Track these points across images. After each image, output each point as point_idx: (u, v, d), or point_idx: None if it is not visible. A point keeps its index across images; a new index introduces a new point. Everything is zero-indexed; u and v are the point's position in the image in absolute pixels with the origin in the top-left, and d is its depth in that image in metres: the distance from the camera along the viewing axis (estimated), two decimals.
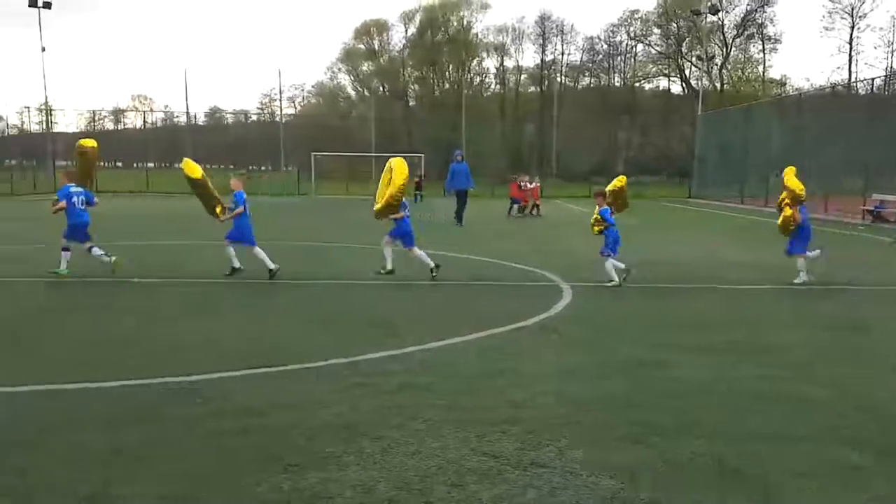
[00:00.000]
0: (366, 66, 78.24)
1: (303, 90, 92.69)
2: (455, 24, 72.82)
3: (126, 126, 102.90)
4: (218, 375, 5.52)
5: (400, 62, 74.75)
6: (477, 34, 72.63)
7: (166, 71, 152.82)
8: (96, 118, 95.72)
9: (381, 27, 76.03)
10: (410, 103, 75.57)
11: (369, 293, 9.41)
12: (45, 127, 47.78)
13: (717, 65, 63.94)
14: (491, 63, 73.72)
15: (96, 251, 10.12)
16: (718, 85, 63.33)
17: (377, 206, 10.02)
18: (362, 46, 77.58)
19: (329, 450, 4.08)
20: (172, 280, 10.01)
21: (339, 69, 79.58)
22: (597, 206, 10.08)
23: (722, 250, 14.43)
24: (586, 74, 73.03)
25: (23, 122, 65.75)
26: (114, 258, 10.08)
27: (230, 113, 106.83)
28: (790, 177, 10.08)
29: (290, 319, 7.75)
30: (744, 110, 37.38)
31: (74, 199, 10.10)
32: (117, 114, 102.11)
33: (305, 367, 5.76)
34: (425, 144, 50.96)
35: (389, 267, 10.06)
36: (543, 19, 70.28)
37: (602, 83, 72.16)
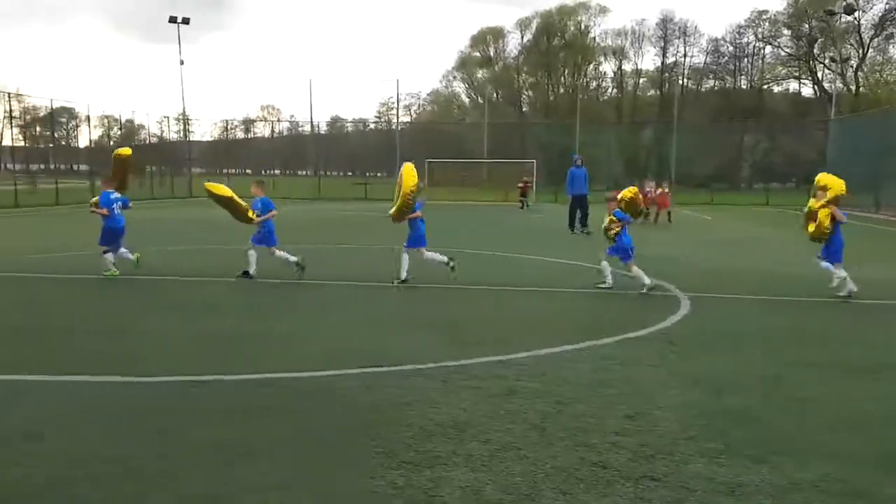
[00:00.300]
0: (480, 74, 78.92)
1: (418, 98, 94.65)
2: (572, 28, 72.17)
3: (255, 135, 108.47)
4: (333, 373, 5.73)
5: (515, 68, 74.85)
6: (594, 38, 71.76)
7: (293, 82, 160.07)
8: (228, 127, 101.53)
9: (497, 34, 76.51)
10: (524, 109, 75.51)
11: (476, 297, 9.47)
12: (182, 136, 50.92)
13: (852, 67, 60.04)
14: (608, 67, 72.60)
15: (122, 252, 10.76)
16: (853, 88, 59.43)
17: (392, 212, 10.25)
18: (478, 54, 78.35)
19: (440, 450, 4.15)
20: (274, 280, 10.46)
21: (455, 77, 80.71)
22: (610, 210, 10.01)
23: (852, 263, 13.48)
24: (710, 77, 70.41)
25: (162, 132, 70.49)
26: (136, 255, 10.74)
27: (350, 122, 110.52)
28: (827, 178, 9.60)
29: (399, 322, 7.93)
30: (882, 114, 34.87)
31: (114, 205, 10.81)
32: (247, 123, 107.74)
33: (416, 367, 5.87)
34: (538, 150, 50.72)
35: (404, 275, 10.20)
36: (665, 21, 68.54)
37: (727, 86, 69.39)
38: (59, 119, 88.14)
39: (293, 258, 10.48)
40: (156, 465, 3.92)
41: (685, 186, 48.24)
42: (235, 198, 10.78)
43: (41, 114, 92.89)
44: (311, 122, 53.07)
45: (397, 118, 58.69)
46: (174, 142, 63.64)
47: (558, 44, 72.14)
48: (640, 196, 10.76)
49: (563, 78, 73.58)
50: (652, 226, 22.64)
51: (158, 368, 5.80)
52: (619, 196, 10.34)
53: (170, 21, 39.31)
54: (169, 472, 3.83)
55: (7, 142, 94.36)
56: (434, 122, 72.53)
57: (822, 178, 9.75)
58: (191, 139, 55.56)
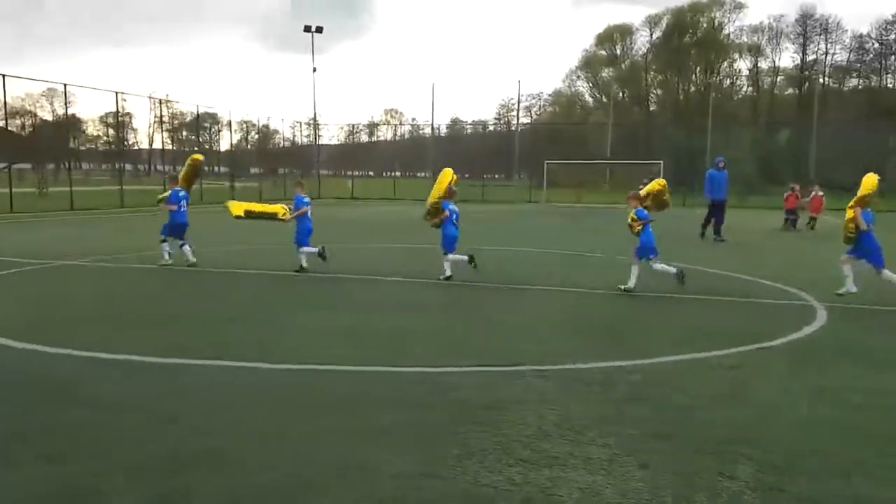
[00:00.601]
0: (606, 73, 77.41)
1: (539, 99, 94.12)
2: (705, 25, 69.46)
3: (378, 138, 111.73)
4: (453, 369, 5.89)
5: (642, 67, 72.93)
6: (728, 35, 68.73)
7: (416, 86, 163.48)
8: (353, 131, 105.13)
9: (625, 32, 74.79)
10: (651, 108, 73.43)
11: (594, 302, 9.37)
12: (313, 140, 53.26)
13: None
14: (743, 64, 69.36)
15: (186, 249, 11.64)
16: None
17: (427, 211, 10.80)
18: (604, 52, 76.90)
19: (557, 451, 4.19)
20: (396, 279, 10.76)
21: (578, 76, 79.57)
22: (632, 209, 9.97)
23: None
24: (853, 75, 65.73)
25: (294, 136, 73.91)
26: (194, 260, 11.64)
27: (469, 124, 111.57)
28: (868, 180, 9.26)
29: (516, 321, 7.98)
30: None
31: (183, 202, 11.74)
32: (371, 127, 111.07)
33: (533, 368, 5.93)
34: (665, 151, 49.14)
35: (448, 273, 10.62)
36: (805, 17, 64.71)
37: (871, 84, 64.55)
38: (203, 124, 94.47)
39: (314, 250, 11.27)
40: (304, 443, 4.20)
41: (826, 190, 45.28)
42: (255, 208, 11.92)
43: (187, 119, 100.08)
44: (433, 124, 54.06)
45: (517, 119, 58.48)
46: (304, 145, 66.60)
47: (690, 41, 69.63)
48: (668, 191, 10.64)
49: (694, 76, 70.95)
50: (807, 232, 21.13)
51: (294, 356, 6.16)
52: (642, 192, 10.38)
53: (304, 30, 41.22)
54: (302, 454, 4.09)
55: (156, 145, 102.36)
56: (555, 122, 71.76)
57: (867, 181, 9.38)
58: (319, 143, 58.04)
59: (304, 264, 11.27)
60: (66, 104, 28.57)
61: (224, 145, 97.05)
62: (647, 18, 74.04)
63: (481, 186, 45.98)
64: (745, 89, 71.77)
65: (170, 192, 12.19)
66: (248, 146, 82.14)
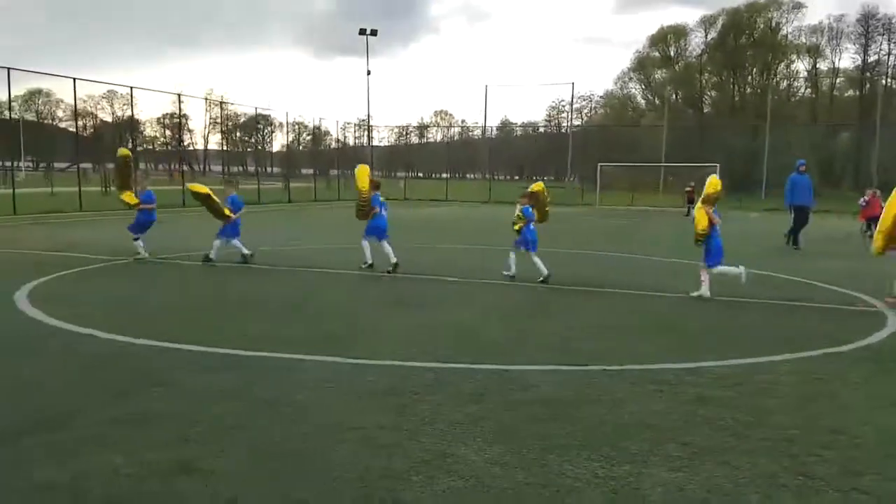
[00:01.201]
0: (659, 74, 76.49)
1: (590, 101, 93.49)
2: (762, 26, 68.08)
3: (428, 140, 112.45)
4: (529, 367, 6.06)
5: (697, 68, 71.84)
6: (786, 35, 67.23)
7: (465, 88, 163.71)
8: (406, 133, 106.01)
9: (679, 33, 73.80)
10: (705, 110, 72.26)
11: (659, 305, 9.41)
12: (364, 141, 53.92)
13: None
14: (801, 66, 67.75)
15: (237, 243, 12.49)
16: None
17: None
18: (657, 54, 76.00)
19: (636, 447, 4.32)
20: (454, 279, 10.95)
21: (631, 78, 78.82)
22: (519, 205, 11.13)
23: None
24: None
25: (345, 137, 74.94)
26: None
27: (519, 126, 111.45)
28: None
29: (584, 322, 8.09)
30: None
31: (242, 206, 12.69)
32: (421, 129, 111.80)
33: (606, 368, 6.05)
34: (719, 153, 48.33)
35: (369, 261, 11.77)
36: (867, 17, 62.82)
37: None
38: (257, 125, 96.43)
39: (246, 251, 12.41)
40: (390, 436, 4.42)
41: (889, 194, 43.95)
42: (212, 195, 12.31)
43: (241, 120, 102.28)
44: (485, 126, 54.18)
45: (570, 121, 58.21)
46: (354, 146, 67.49)
47: (746, 42, 68.34)
48: (545, 194, 11.80)
49: (750, 77, 69.59)
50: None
51: (382, 353, 6.40)
52: (529, 191, 11.51)
53: (359, 33, 41.85)
54: (399, 442, 4.30)
55: (211, 146, 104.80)
56: (608, 124, 71.16)
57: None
58: (371, 144, 58.69)
59: (213, 255, 12.26)
60: (131, 106, 29.46)
61: (276, 146, 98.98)
62: (702, 19, 73.00)
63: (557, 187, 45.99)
64: (802, 91, 70.16)
65: (142, 193, 13.11)
66: (301, 147, 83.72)
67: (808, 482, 3.87)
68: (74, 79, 26.92)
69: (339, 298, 9.57)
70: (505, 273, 11.03)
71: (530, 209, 11.07)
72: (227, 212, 12.50)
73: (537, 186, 11.71)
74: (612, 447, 4.33)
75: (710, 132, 61.46)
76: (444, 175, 78.77)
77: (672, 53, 75.30)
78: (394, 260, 11.50)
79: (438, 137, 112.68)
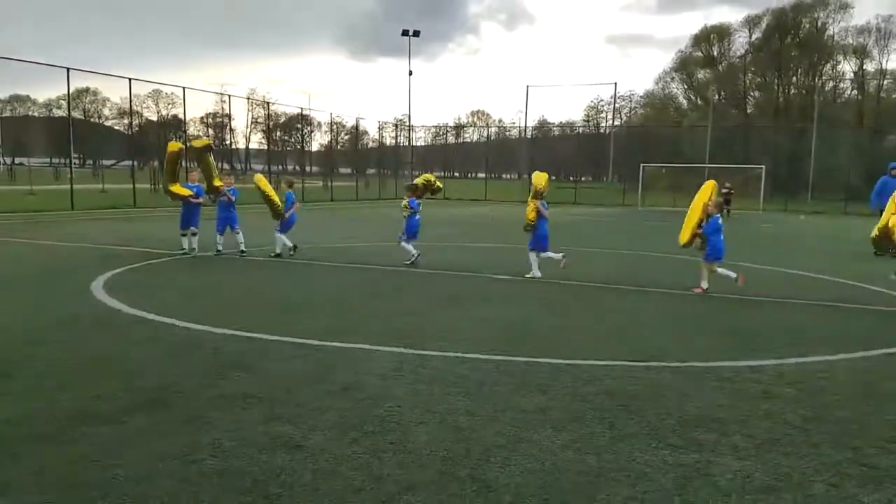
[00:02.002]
0: (702, 74, 75.59)
1: (630, 101, 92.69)
2: (807, 26, 66.89)
3: (465, 139, 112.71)
4: (592, 362, 6.28)
5: (741, 68, 70.88)
6: (832, 36, 65.92)
7: (504, 88, 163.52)
8: (444, 132, 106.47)
9: (723, 33, 72.86)
10: (748, 111, 71.24)
11: (718, 304, 9.53)
12: (402, 140, 54.36)
13: None
14: (848, 66, 66.37)
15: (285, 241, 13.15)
16: None
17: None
18: (700, 53, 75.13)
19: (703, 438, 4.53)
20: (503, 276, 11.19)
21: (673, 78, 78.02)
22: (406, 198, 12.81)
23: None
24: None
25: (382, 137, 75.48)
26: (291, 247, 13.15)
27: (556, 126, 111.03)
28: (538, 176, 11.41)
29: (638, 320, 8.26)
30: None
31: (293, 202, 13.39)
32: (458, 129, 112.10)
33: (666, 364, 6.25)
34: (764, 155, 47.72)
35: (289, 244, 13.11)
36: None
37: None
38: (296, 125, 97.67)
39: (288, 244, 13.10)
40: (466, 421, 4.69)
41: None
42: (273, 194, 13.11)
43: (281, 120, 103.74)
44: (525, 125, 54.19)
45: (612, 121, 57.89)
46: (392, 146, 67.93)
47: (791, 42, 67.21)
48: (439, 184, 13.49)
49: (795, 78, 68.42)
50: None
51: (444, 346, 6.68)
52: (415, 184, 13.15)
53: (402, 34, 42.30)
54: (474, 427, 4.57)
55: (253, 145, 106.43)
56: (650, 124, 70.56)
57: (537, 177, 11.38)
58: (411, 144, 59.13)
59: (279, 250, 13.13)
60: (183, 105, 30.22)
61: (315, 146, 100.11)
62: (746, 19, 71.91)
63: (573, 189, 45.89)
64: (848, 92, 68.73)
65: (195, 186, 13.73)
66: (340, 147, 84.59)
67: (871, 472, 4.04)
68: (130, 79, 27.68)
69: (395, 293, 9.86)
70: (526, 276, 11.24)
71: (416, 201, 12.68)
72: (281, 208, 13.10)
73: (421, 179, 13.35)
74: (679, 437, 4.54)
75: (754, 133, 60.60)
76: (481, 175, 78.83)
77: (715, 53, 74.37)
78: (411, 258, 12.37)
79: (475, 137, 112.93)
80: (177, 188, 13.50)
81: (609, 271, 12.03)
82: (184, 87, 30.01)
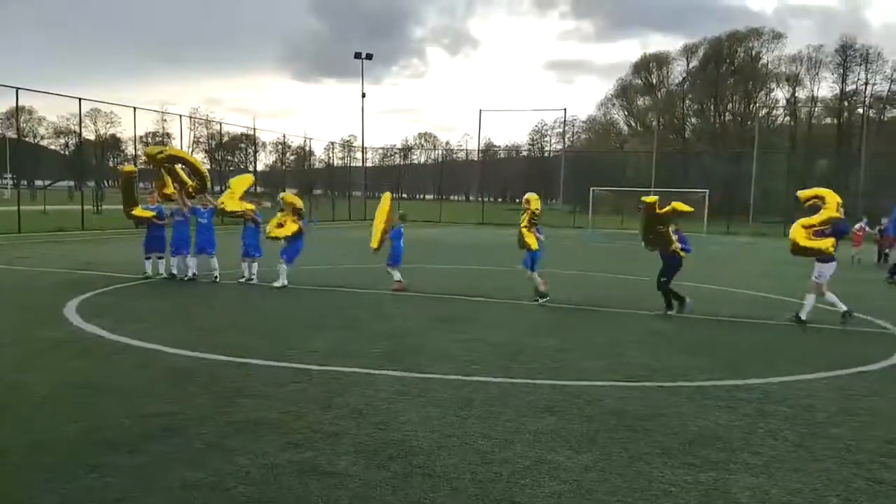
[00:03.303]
0: (642, 101, 78.00)
1: (573, 126, 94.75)
2: (742, 55, 69.80)
3: (412, 161, 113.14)
4: (587, 383, 6.43)
5: (679, 95, 73.35)
6: (766, 64, 68.92)
7: (452, 110, 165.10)
8: (389, 154, 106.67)
9: (661, 61, 75.39)
10: (686, 136, 73.63)
11: (687, 324, 9.82)
12: (355, 162, 54.27)
13: None
14: (781, 94, 69.38)
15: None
16: None
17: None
18: (639, 81, 77.52)
19: (714, 456, 4.69)
20: (482, 299, 11.33)
21: (614, 104, 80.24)
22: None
23: None
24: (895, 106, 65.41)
25: (329, 157, 75.15)
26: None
27: (503, 148, 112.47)
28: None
29: (618, 340, 8.46)
30: None
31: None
32: (405, 150, 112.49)
33: (661, 385, 6.46)
34: (702, 179, 49.34)
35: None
36: (845, 48, 64.58)
37: None
38: (239, 145, 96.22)
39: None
40: (485, 443, 4.75)
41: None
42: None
43: (224, 139, 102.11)
44: (478, 149, 54.74)
45: (563, 145, 59.07)
46: (339, 167, 67.73)
47: (727, 70, 69.98)
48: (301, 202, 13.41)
49: (731, 105, 71.15)
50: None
51: (443, 368, 6.73)
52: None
53: (355, 57, 42.44)
54: (494, 449, 4.63)
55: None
56: (595, 149, 72.17)
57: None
58: (358, 165, 59.08)
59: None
60: (134, 126, 29.56)
61: (260, 166, 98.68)
62: (684, 48, 74.68)
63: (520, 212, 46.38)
64: (781, 119, 71.71)
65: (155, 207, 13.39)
66: (285, 167, 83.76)
67: (878, 487, 4.26)
68: (80, 98, 26.99)
69: (383, 317, 9.83)
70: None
71: (400, 229, 12.61)
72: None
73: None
74: (692, 455, 4.71)
75: (693, 158, 62.64)
76: (429, 196, 78.97)
77: (654, 81, 76.84)
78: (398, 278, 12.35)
79: (423, 159, 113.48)
80: (138, 211, 13.21)
81: (580, 293, 12.26)
82: (134, 108, 29.48)
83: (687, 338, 8.96)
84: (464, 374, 6.60)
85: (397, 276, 12.21)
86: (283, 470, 4.23)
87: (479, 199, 57.31)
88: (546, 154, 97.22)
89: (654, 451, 4.75)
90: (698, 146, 67.50)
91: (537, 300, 11.22)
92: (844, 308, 10.04)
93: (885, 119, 65.96)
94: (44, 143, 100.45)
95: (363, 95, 43.69)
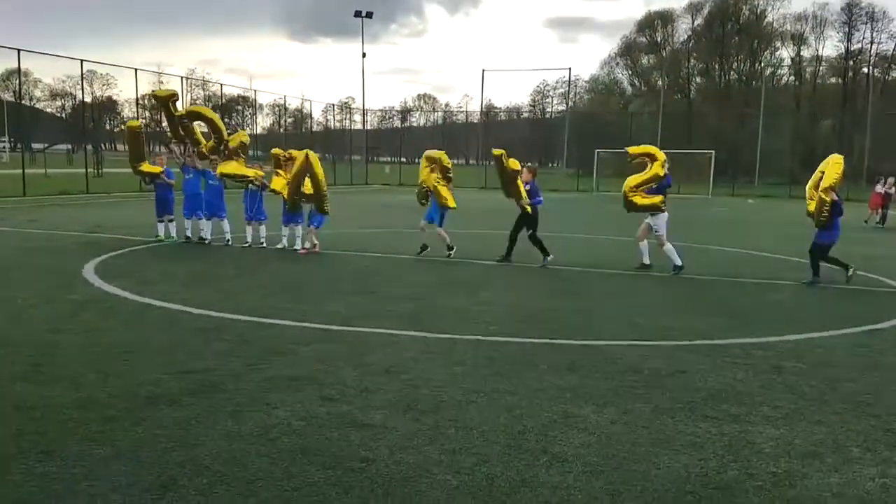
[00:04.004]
0: (646, 60, 77.16)
1: (576, 86, 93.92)
2: (747, 13, 68.91)
3: (412, 124, 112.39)
4: (607, 343, 6.59)
5: (684, 54, 72.59)
6: (771, 23, 68.09)
7: (451, 70, 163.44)
8: (388, 116, 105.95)
9: (667, 19, 74.46)
10: (691, 96, 73.10)
11: (702, 286, 9.97)
12: (354, 124, 53.92)
13: None
14: (786, 53, 68.70)
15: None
16: None
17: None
18: (644, 39, 76.62)
19: (735, 411, 4.84)
20: (491, 262, 11.46)
21: (617, 63, 79.38)
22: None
23: None
24: None
25: (326, 120, 74.60)
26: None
27: (503, 110, 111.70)
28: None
29: (634, 301, 8.62)
30: None
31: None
32: (404, 112, 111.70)
33: (679, 343, 6.61)
34: (708, 140, 49.15)
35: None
36: (851, 6, 63.77)
37: None
38: (236, 107, 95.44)
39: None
40: (511, 399, 4.90)
41: (868, 182, 45.10)
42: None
43: (221, 102, 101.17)
44: (481, 110, 54.28)
45: (567, 106, 58.56)
46: (337, 130, 67.28)
47: (732, 28, 69.17)
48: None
49: (736, 64, 70.48)
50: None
51: (462, 329, 6.88)
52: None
53: (355, 15, 41.90)
54: (521, 405, 4.79)
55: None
56: (600, 110, 71.58)
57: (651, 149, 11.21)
58: (357, 128, 58.68)
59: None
60: (136, 87, 29.36)
61: (258, 129, 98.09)
62: (689, 5, 73.66)
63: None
64: (786, 78, 71.13)
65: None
66: (282, 130, 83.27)
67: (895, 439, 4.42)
68: (82, 60, 26.81)
69: (398, 280, 9.97)
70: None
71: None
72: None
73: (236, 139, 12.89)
74: (713, 409, 4.85)
75: (698, 118, 62.27)
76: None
77: (659, 39, 75.96)
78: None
79: (422, 122, 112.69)
80: (146, 166, 13.20)
81: (590, 255, 12.39)
82: (135, 69, 29.18)
83: (699, 298, 9.10)
84: (483, 335, 6.74)
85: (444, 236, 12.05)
86: (322, 422, 4.38)
87: (479, 163, 57.01)
88: (548, 115, 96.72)
89: (676, 406, 4.90)
90: (703, 106, 67.01)
91: (449, 254, 11.71)
92: (679, 263, 10.75)
93: (889, 79, 65.46)
94: (40, 105, 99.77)
95: (363, 55, 43.19)
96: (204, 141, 12.88)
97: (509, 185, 11.34)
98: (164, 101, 12.77)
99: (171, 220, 13.11)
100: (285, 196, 12.23)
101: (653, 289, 9.71)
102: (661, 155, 10.90)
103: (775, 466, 3.97)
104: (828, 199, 9.76)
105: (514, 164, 11.31)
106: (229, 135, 12.94)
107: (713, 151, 36.68)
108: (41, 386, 4.90)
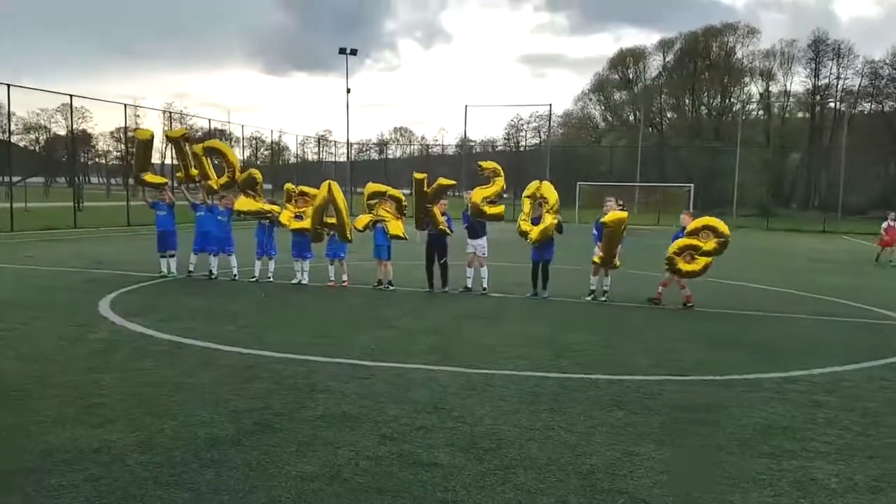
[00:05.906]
0: (618, 95, 78.66)
1: (548, 120, 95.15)
2: (717, 50, 70.73)
3: (389, 156, 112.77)
4: (643, 378, 6.65)
5: (656, 90, 74.14)
6: (741, 59, 69.94)
7: (427, 105, 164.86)
8: (363, 149, 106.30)
9: (638, 56, 76.10)
10: (663, 131, 74.52)
11: (721, 319, 10.11)
12: (347, 157, 53.95)
13: None
14: (755, 88, 70.48)
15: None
16: None
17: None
18: (616, 76, 78.20)
19: (787, 446, 4.91)
20: (504, 295, 11.52)
21: (591, 98, 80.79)
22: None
23: None
24: (867, 100, 66.87)
25: (304, 152, 74.61)
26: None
27: (477, 143, 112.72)
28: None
29: (669, 336, 8.71)
30: None
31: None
32: (381, 145, 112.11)
33: (713, 378, 6.73)
34: (680, 173, 50.05)
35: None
36: (818, 42, 65.80)
37: (884, 110, 65.72)
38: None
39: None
40: (569, 436, 4.93)
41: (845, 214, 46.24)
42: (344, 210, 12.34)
43: (198, 135, 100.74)
44: (465, 143, 54.64)
45: (548, 137, 59.30)
46: (313, 162, 67.29)
47: (702, 65, 70.91)
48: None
49: (707, 99, 72.14)
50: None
51: (497, 363, 6.90)
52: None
53: (339, 52, 42.24)
54: (579, 442, 4.81)
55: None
56: (575, 144, 72.54)
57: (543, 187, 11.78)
58: (333, 160, 58.77)
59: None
60: (124, 118, 29.21)
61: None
62: (660, 42, 75.49)
63: (511, 205, 46.73)
64: (755, 113, 72.82)
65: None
66: (259, 162, 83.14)
67: None
68: (71, 95, 26.64)
69: (411, 314, 9.98)
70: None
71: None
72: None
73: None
74: (766, 445, 4.93)
75: (671, 152, 63.42)
76: (406, 191, 78.93)
77: (631, 76, 77.58)
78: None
79: (398, 154, 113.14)
80: (150, 176, 13.11)
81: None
82: (125, 105, 29.01)
83: (724, 332, 9.17)
84: (518, 370, 6.77)
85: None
86: (390, 462, 4.37)
87: (460, 194, 57.42)
88: (521, 149, 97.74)
89: (732, 443, 4.96)
90: (675, 141, 68.29)
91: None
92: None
93: (855, 112, 67.40)
94: (14, 139, 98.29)
95: (348, 91, 43.39)
96: (215, 177, 12.84)
97: (424, 211, 11.83)
98: (175, 141, 12.82)
99: (172, 256, 12.98)
100: (290, 229, 12.32)
101: (674, 322, 9.82)
102: (501, 175, 11.80)
103: (844, 502, 4.05)
104: (555, 221, 11.19)
105: (443, 182, 11.98)
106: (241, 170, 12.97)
107: (692, 185, 37.29)
108: (99, 429, 4.81)
